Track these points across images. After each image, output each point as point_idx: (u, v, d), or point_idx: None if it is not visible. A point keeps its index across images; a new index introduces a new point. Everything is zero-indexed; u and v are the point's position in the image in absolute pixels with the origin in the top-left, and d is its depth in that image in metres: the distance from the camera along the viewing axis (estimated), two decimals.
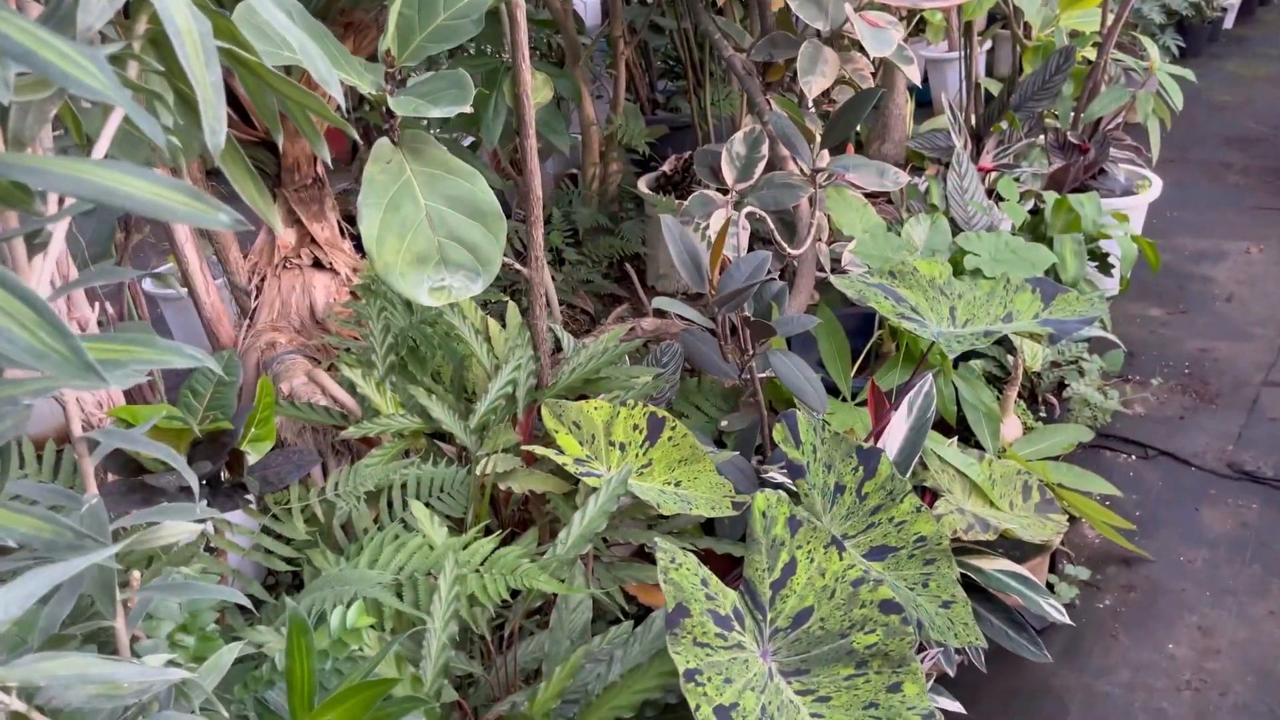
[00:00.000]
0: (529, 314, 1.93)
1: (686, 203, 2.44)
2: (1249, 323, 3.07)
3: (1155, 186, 3.15)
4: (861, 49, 2.46)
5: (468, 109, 1.43)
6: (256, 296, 2.56)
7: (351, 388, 1.92)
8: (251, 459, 1.41)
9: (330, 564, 1.37)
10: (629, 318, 2.92)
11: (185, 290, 2.26)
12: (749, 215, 2.11)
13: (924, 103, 5.14)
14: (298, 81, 1.11)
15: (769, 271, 1.85)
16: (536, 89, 2.12)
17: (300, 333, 2.52)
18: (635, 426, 1.53)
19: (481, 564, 1.24)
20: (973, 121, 3.16)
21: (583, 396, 1.91)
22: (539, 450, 1.45)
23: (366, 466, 1.60)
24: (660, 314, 3.09)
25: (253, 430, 1.41)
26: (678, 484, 1.50)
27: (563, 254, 3.33)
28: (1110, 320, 2.62)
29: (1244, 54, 5.75)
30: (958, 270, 2.35)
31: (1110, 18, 3.07)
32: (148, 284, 3.31)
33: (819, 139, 2.25)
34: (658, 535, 1.11)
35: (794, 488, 1.69)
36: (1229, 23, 6.08)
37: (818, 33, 2.26)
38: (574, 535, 1.28)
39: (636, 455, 1.51)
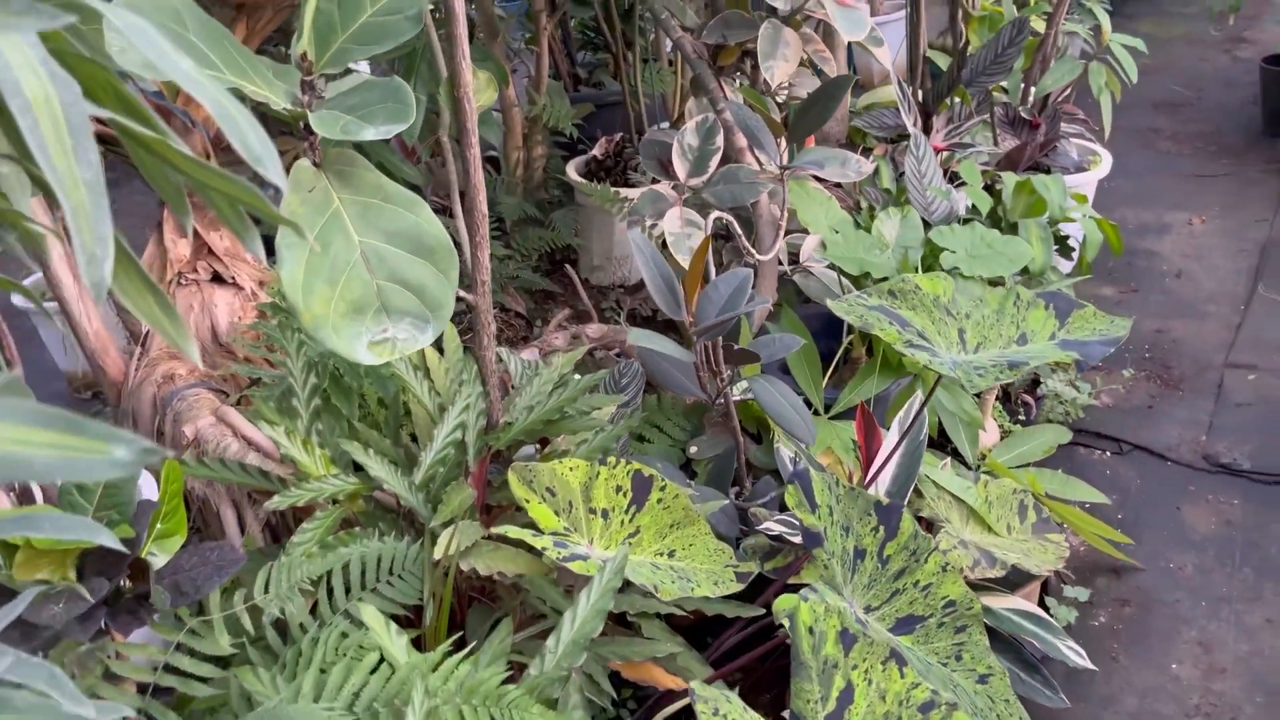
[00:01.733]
0: (475, 345, 1.69)
1: (635, 200, 2.21)
2: (1201, 299, 3.00)
3: (1106, 161, 3.05)
4: (821, 31, 2.26)
5: (409, 124, 1.19)
6: None
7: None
8: (159, 562, 1.16)
9: (265, 685, 1.13)
10: (570, 324, 2.69)
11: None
12: (716, 221, 1.90)
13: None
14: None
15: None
16: (479, 89, 1.86)
17: (203, 359, 2.22)
18: (618, 488, 1.32)
19: (457, 690, 1.02)
20: (920, 97, 3.00)
21: (544, 440, 1.68)
22: (511, 533, 1.22)
23: (300, 548, 1.35)
24: (607, 321, 2.86)
25: (158, 526, 1.16)
26: (671, 553, 1.29)
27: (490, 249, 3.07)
28: None
29: (1157, 13, 5.75)
30: (931, 270, 2.19)
31: None
32: (16, 297, 2.95)
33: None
34: (694, 683, 0.91)
35: (790, 535, 1.51)
36: None
37: (774, 11, 2.05)
38: (564, 643, 1.06)
39: (622, 523, 1.30)
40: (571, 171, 3.19)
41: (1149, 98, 4.53)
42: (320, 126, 1.13)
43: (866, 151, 3.13)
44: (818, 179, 2.69)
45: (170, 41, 1.15)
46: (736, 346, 1.57)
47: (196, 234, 2.26)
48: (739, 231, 1.91)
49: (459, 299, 1.59)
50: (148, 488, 1.74)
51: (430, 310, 1.20)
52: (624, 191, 2.85)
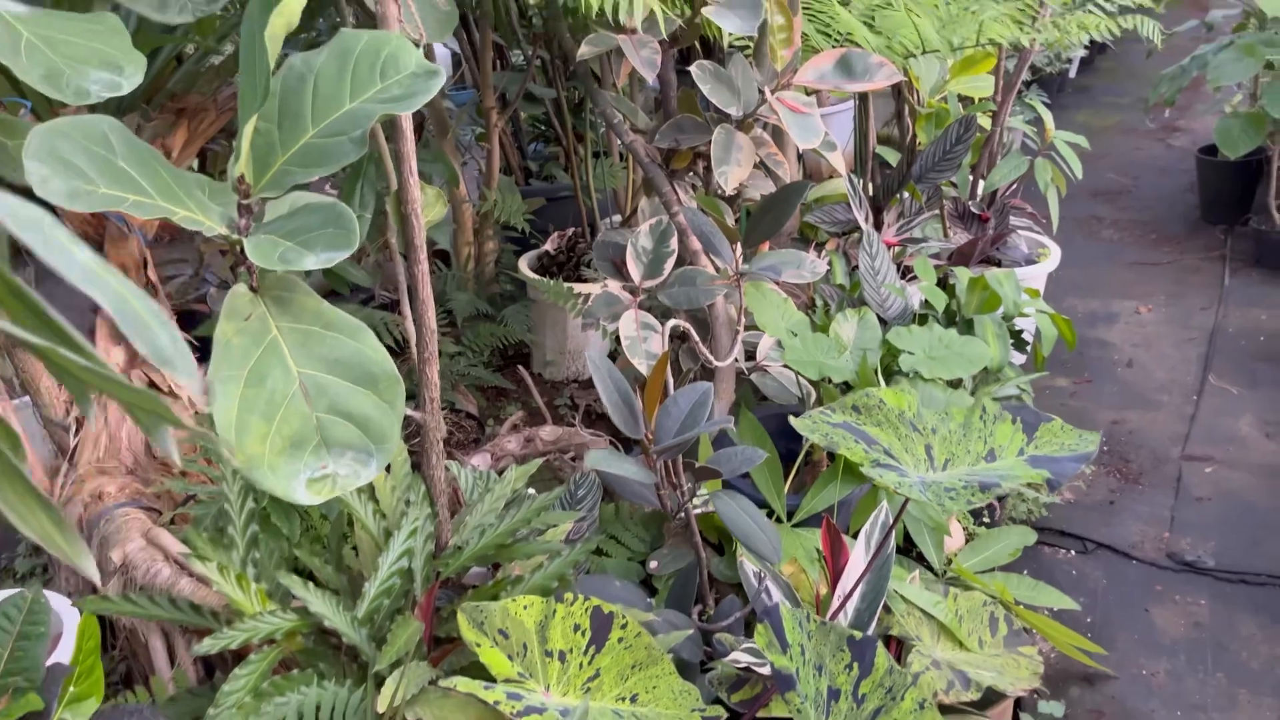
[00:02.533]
0: (424, 464, 1.61)
1: (590, 302, 2.17)
2: (1153, 389, 3.02)
3: (1054, 254, 3.09)
4: (772, 131, 2.26)
5: (351, 250, 1.13)
6: (77, 431, 2.14)
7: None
8: None
9: None
10: (523, 426, 2.62)
11: None
12: (673, 329, 1.85)
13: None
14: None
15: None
16: (428, 205, 1.82)
17: (134, 474, 2.11)
18: (577, 627, 1.24)
19: None
20: (870, 191, 3.02)
21: (496, 565, 1.60)
22: (461, 685, 1.13)
23: (231, 698, 1.24)
24: (558, 424, 2.79)
25: (70, 690, 1.05)
26: (634, 698, 1.21)
27: (439, 346, 3.00)
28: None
29: (1091, 104, 5.94)
30: (889, 372, 2.16)
31: (1002, 83, 3.00)
32: None
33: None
34: None
35: (758, 665, 1.43)
36: (1073, 73, 6.29)
37: (727, 115, 2.04)
38: None
39: (581, 665, 1.22)
40: (524, 266, 3.15)
41: (1089, 186, 4.65)
42: (256, 255, 1.06)
43: (819, 245, 3.13)
44: None
45: (98, 167, 1.08)
46: (697, 464, 1.51)
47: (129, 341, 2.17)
48: (696, 339, 1.86)
49: (407, 418, 1.52)
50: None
51: (374, 443, 1.13)
52: (577, 287, 2.81)
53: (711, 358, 1.92)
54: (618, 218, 3.43)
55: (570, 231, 3.24)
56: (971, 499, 1.29)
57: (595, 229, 3.36)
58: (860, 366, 2.07)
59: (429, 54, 2.86)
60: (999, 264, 3.05)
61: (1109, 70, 6.65)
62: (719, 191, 2.03)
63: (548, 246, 3.21)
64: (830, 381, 2.05)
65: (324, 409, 1.12)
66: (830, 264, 2.77)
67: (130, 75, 1.22)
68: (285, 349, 1.13)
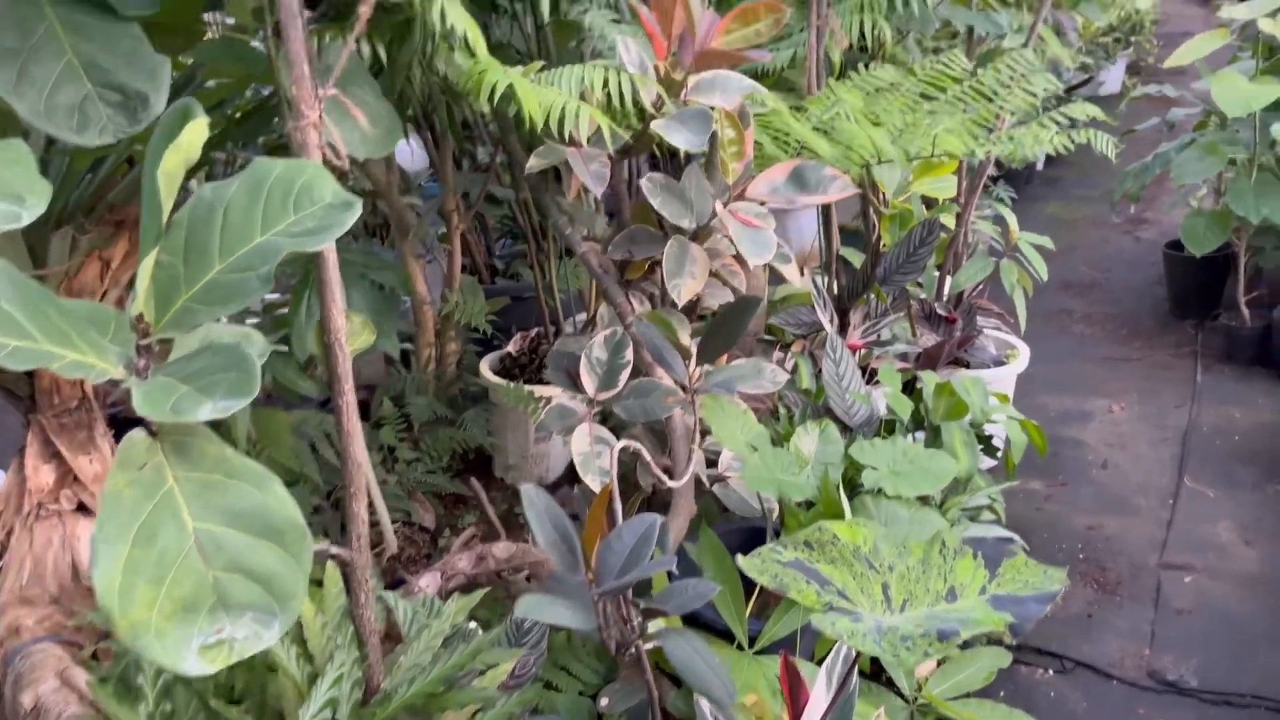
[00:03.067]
0: (352, 604, 1.51)
1: (543, 415, 2.10)
2: (1129, 492, 2.95)
3: (1024, 355, 3.05)
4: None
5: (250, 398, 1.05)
6: (0, 557, 2.04)
7: None
8: None
9: None
10: (478, 539, 2.52)
11: None
12: (624, 450, 1.77)
13: None
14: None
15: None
16: (354, 334, 1.76)
17: (58, 604, 1.99)
18: None
19: None
20: (835, 292, 2.99)
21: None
22: None
23: None
24: (516, 534, 2.69)
25: None
26: None
27: (395, 453, 2.91)
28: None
29: (1060, 196, 6.00)
30: (852, 486, 2.08)
31: (965, 185, 3.00)
32: None
33: (694, 351, 1.96)
34: None
35: None
36: (1040, 165, 6.37)
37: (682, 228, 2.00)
38: None
39: None
40: (485, 369, 3.08)
41: (1060, 279, 4.65)
42: (146, 406, 0.98)
43: (786, 346, 3.08)
44: None
45: None
46: (644, 604, 1.42)
47: (60, 458, 2.07)
48: (648, 459, 1.78)
49: (332, 556, 1.43)
50: None
51: (278, 601, 1.04)
52: (539, 390, 2.74)
53: (665, 478, 1.84)
54: (582, 316, 3.38)
55: (533, 332, 3.18)
56: (929, 649, 1.21)
57: (560, 329, 3.31)
58: (822, 483, 1.99)
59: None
60: (968, 365, 3.00)
61: (1077, 162, 6.73)
62: (672, 305, 1.97)
63: (510, 348, 3.14)
64: (790, 500, 1.97)
65: (222, 566, 1.03)
66: (797, 367, 2.72)
67: (32, 205, 1.15)
68: (182, 502, 1.05)
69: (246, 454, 1.29)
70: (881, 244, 3.09)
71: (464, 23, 1.75)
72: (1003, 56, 2.17)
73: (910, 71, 2.33)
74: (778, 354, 2.98)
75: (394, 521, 2.67)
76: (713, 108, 1.89)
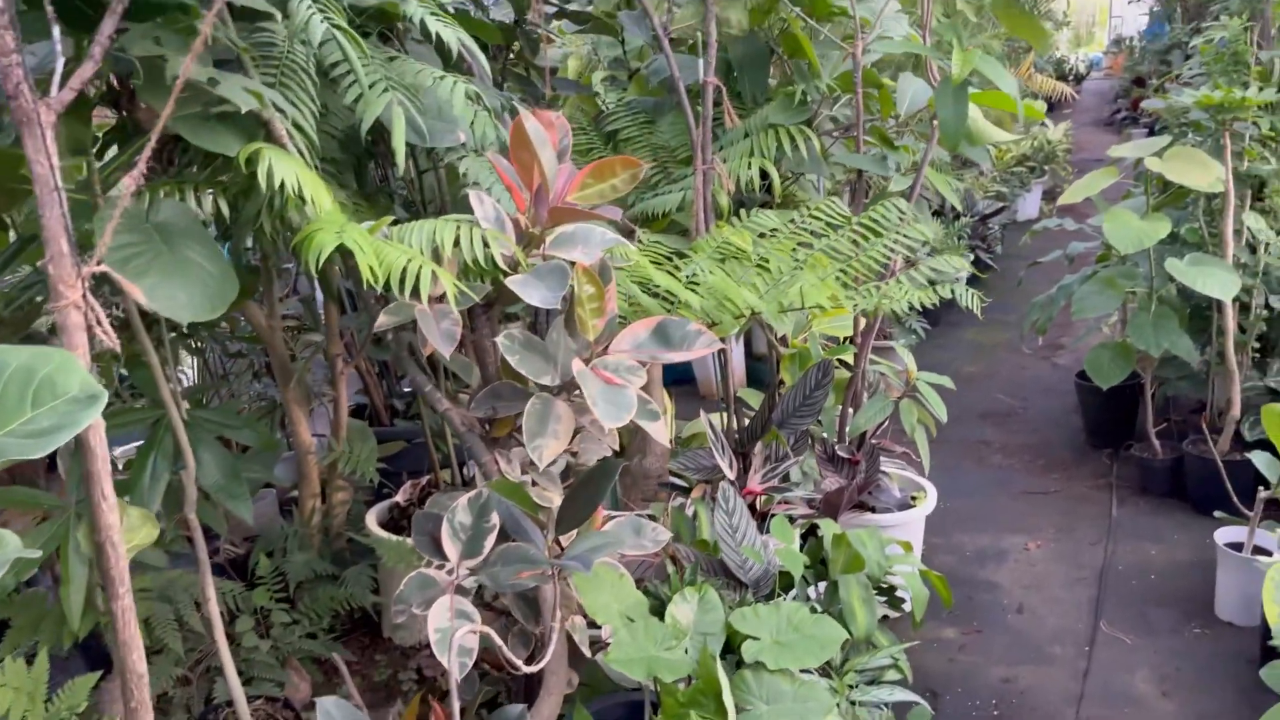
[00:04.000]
0: None
1: (402, 586, 1.94)
2: (1045, 639, 2.83)
3: (931, 496, 2.96)
4: None
5: None
6: None
7: None
8: None
9: None
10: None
11: None
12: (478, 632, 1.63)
13: (684, 379, 4.98)
14: None
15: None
16: (132, 529, 1.62)
17: None
18: None
19: None
20: (735, 437, 2.90)
21: None
22: None
23: None
24: (403, 695, 2.50)
25: None
26: None
27: (270, 616, 2.71)
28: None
29: (977, 322, 6.05)
30: (737, 654, 1.94)
31: (863, 325, 2.96)
32: None
33: (555, 515, 1.84)
34: None
35: None
36: (958, 273, 6.44)
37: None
38: None
39: None
40: (371, 521, 2.91)
41: (976, 407, 4.63)
42: None
43: (688, 490, 2.97)
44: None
45: None
46: None
47: None
48: (500, 643, 1.63)
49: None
50: None
51: None
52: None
53: (519, 664, 1.69)
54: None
55: (424, 480, 3.03)
56: None
57: (457, 477, 3.17)
58: (700, 657, 1.85)
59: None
60: (872, 510, 2.91)
61: (994, 287, 6.84)
62: (532, 468, 1.85)
63: (399, 498, 2.99)
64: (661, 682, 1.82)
65: None
66: (696, 515, 2.60)
67: None
68: None
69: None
70: (781, 385, 3.02)
71: (304, 178, 1.67)
72: (878, 205, 2.14)
73: (789, 219, 2.29)
74: (678, 499, 2.86)
75: (257, 698, 2.46)
76: (573, 263, 1.82)
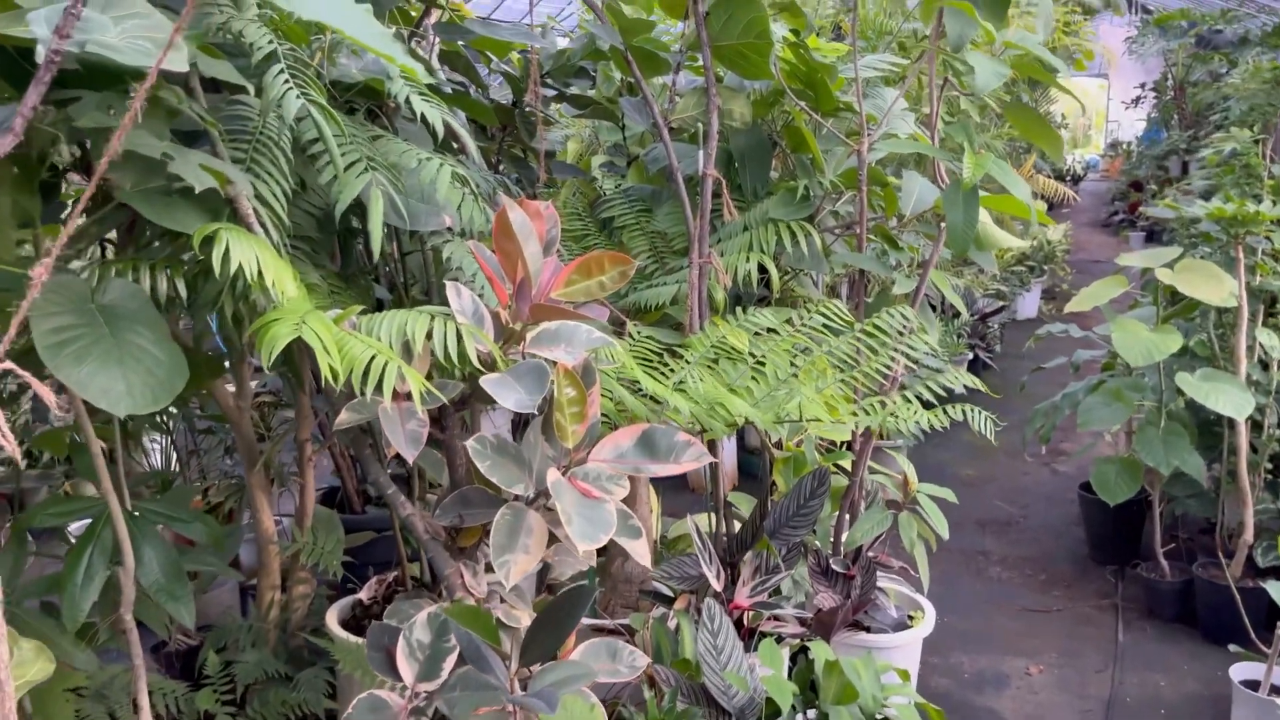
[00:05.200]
0: None
1: (350, 709, 1.76)
2: None
3: (929, 617, 2.78)
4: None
5: None
6: None
7: None
8: None
9: None
10: None
11: None
12: None
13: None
14: None
15: None
16: (24, 663, 1.45)
17: None
18: None
19: None
20: (724, 544, 2.73)
21: None
22: None
23: None
24: None
25: None
26: None
27: None
28: None
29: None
30: None
31: (860, 431, 2.81)
32: None
33: (521, 636, 1.67)
34: None
35: None
36: (958, 388, 6.32)
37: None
38: None
39: None
40: (331, 619, 2.72)
41: (974, 515, 4.46)
42: None
43: (670, 601, 2.79)
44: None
45: None
46: None
47: None
48: None
49: None
50: None
51: None
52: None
53: None
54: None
55: (390, 577, 2.85)
56: None
57: (427, 574, 2.98)
58: None
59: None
60: (867, 629, 2.73)
61: (993, 387, 6.72)
62: (499, 588, 1.69)
63: (362, 594, 2.80)
64: None
65: None
66: (679, 630, 2.43)
67: None
68: None
69: None
70: (774, 490, 2.87)
71: (266, 261, 1.54)
72: (882, 312, 2.02)
73: (787, 321, 2.17)
74: (659, 610, 2.68)
75: None
76: (554, 363, 1.68)
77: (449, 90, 2.98)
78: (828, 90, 2.82)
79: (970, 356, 6.38)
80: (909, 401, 1.88)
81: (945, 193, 2.27)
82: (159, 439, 3.45)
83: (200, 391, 2.83)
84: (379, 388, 1.51)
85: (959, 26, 2.34)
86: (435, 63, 3.00)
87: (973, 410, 1.97)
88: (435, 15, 2.85)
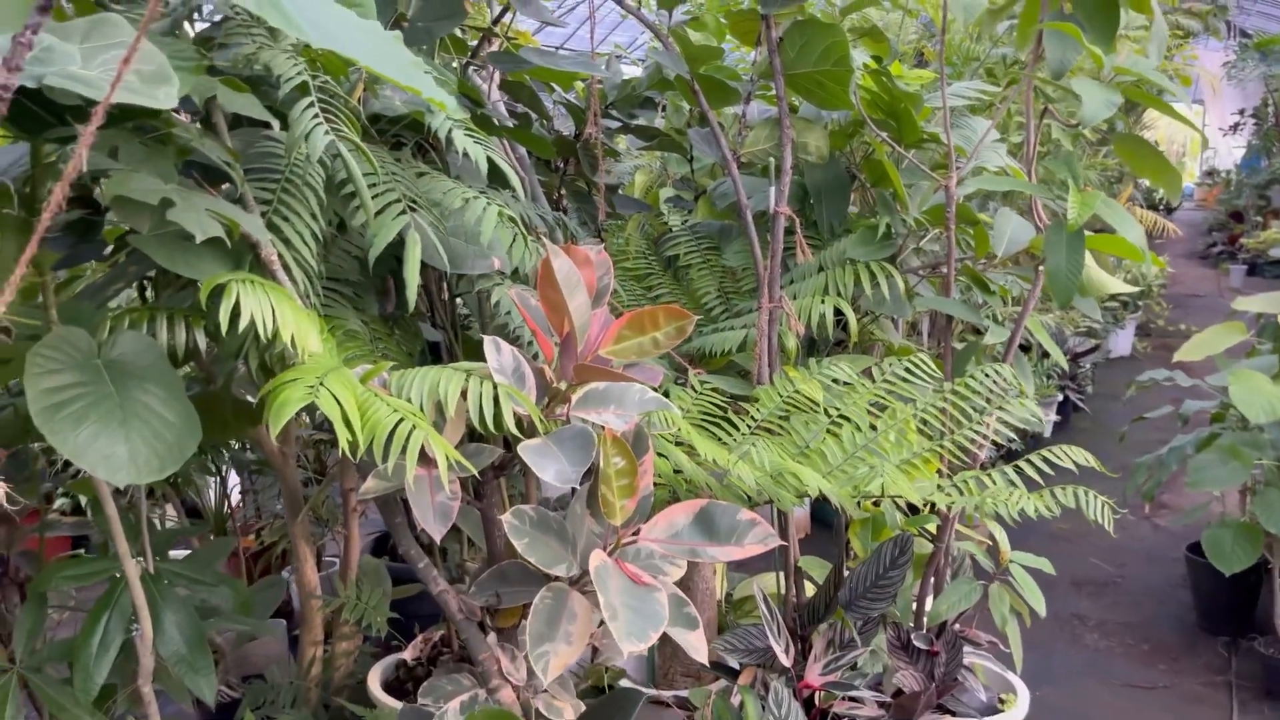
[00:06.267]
0: None
1: None
2: None
3: (1022, 700, 2.51)
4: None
5: None
6: None
7: None
8: None
9: None
10: None
11: None
12: None
13: None
14: None
15: None
16: None
17: None
18: None
19: None
20: (794, 613, 2.51)
21: None
22: None
23: None
24: None
25: None
26: None
27: None
28: None
29: (1069, 472, 5.56)
30: None
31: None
32: None
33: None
34: None
35: None
36: (1048, 431, 5.98)
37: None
38: None
39: None
40: (374, 680, 2.56)
41: (1069, 573, 4.14)
42: None
43: (736, 673, 2.57)
44: None
45: None
46: None
47: None
48: None
49: None
50: None
51: None
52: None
53: None
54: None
55: (436, 635, 2.69)
56: None
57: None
58: None
59: None
60: (954, 714, 2.47)
61: (1086, 430, 6.35)
62: (538, 683, 1.51)
63: (406, 654, 2.64)
64: None
65: None
66: (743, 707, 2.22)
67: None
68: None
69: None
70: (850, 555, 2.64)
71: (286, 314, 1.39)
72: (974, 370, 1.80)
73: (864, 373, 1.96)
74: (721, 683, 2.47)
75: None
76: (601, 426, 1.50)
77: (509, 123, 2.84)
78: (912, 120, 2.60)
79: (1060, 398, 6.02)
80: (1015, 487, 1.65)
81: (1046, 234, 2.04)
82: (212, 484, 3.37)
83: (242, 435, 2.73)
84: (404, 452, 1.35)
85: (1061, 50, 2.12)
86: (495, 93, 2.87)
87: (1085, 493, 1.72)
88: (496, 44, 2.73)
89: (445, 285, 2.45)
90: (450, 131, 1.62)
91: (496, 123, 2.27)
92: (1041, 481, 1.77)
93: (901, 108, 2.59)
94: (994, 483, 1.68)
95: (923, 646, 2.49)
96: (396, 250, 1.77)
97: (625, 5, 2.33)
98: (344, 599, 2.63)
